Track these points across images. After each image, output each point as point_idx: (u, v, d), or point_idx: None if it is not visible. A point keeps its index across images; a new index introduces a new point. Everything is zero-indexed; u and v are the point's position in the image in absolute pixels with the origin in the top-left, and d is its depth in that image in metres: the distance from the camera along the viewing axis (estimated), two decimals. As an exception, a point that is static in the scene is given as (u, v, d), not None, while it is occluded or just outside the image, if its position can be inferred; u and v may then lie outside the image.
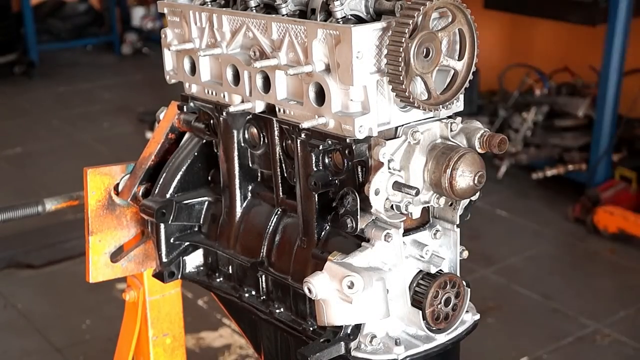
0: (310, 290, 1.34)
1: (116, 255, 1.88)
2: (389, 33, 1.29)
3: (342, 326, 1.39)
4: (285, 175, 1.58)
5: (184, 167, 1.75)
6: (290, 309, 1.59)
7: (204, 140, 1.75)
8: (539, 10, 5.42)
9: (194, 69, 1.68)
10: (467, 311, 1.49)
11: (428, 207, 1.45)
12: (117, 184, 1.85)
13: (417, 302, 1.41)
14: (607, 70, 4.91)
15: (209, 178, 1.78)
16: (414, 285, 1.42)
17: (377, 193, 1.35)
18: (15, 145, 6.52)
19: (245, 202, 1.68)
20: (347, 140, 1.36)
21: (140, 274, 1.94)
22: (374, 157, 1.36)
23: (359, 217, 1.39)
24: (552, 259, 4.60)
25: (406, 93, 1.30)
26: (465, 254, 1.50)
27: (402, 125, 1.39)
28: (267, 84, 1.50)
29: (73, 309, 4.09)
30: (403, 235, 1.40)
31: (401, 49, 1.27)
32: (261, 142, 1.61)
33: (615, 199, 4.83)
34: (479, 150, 1.42)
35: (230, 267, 1.73)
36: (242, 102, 1.57)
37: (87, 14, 9.51)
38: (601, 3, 4.90)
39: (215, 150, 1.70)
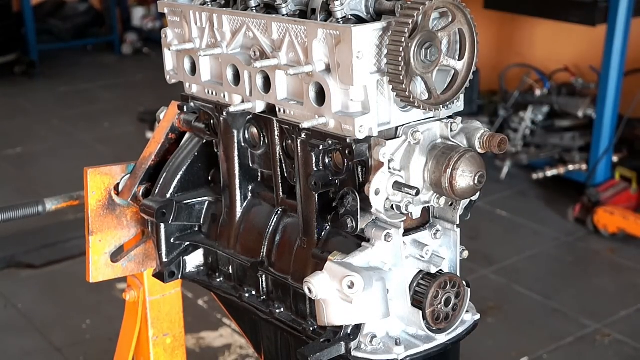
0: (310, 290, 1.35)
1: (116, 255, 1.88)
2: (389, 33, 1.30)
3: (342, 326, 1.39)
4: (286, 175, 1.58)
5: (184, 167, 1.75)
6: (290, 309, 1.59)
7: (204, 140, 1.75)
8: (538, 10, 5.41)
9: (194, 69, 1.68)
10: (467, 311, 1.49)
11: (428, 207, 1.45)
12: (118, 184, 1.85)
13: (418, 302, 1.41)
14: (607, 70, 4.91)
15: (209, 178, 1.78)
16: (414, 285, 1.42)
17: (377, 193, 1.35)
18: (15, 145, 6.52)
19: (246, 202, 1.68)
20: (348, 140, 1.36)
21: (141, 273, 1.94)
22: (374, 157, 1.36)
23: (359, 217, 1.39)
24: (552, 259, 4.60)
25: (406, 93, 1.30)
26: (466, 254, 1.50)
27: (403, 125, 1.39)
28: (268, 84, 1.50)
29: (73, 309, 4.09)
30: (403, 235, 1.40)
31: (401, 48, 1.27)
32: (261, 142, 1.61)
33: (615, 199, 4.83)
34: (479, 150, 1.42)
35: (230, 267, 1.73)
36: (243, 102, 1.57)
37: (88, 14, 9.51)
38: (601, 3, 4.89)
39: (216, 150, 1.70)
